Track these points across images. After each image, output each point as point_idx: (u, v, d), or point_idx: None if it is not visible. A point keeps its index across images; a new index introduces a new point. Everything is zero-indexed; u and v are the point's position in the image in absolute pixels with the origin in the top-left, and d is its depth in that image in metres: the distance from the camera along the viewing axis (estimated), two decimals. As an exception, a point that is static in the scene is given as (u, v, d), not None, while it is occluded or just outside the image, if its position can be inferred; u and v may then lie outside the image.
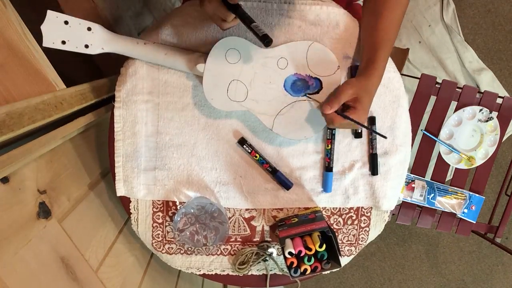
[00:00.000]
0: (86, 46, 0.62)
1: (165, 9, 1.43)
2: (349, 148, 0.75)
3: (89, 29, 0.62)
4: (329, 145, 0.74)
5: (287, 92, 0.68)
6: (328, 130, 0.73)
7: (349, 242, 0.80)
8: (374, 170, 0.75)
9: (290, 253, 0.67)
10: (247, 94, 0.67)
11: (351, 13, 0.72)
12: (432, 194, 1.09)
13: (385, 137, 0.64)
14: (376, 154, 0.75)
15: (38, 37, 0.60)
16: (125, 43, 0.65)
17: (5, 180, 0.50)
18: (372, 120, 0.74)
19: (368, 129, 0.61)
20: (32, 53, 0.59)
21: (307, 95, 0.68)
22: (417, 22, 1.55)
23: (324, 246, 0.67)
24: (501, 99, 1.08)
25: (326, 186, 0.76)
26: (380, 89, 0.73)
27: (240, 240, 0.79)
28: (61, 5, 0.90)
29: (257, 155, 0.73)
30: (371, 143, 0.74)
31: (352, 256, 0.82)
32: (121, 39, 0.65)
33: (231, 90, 0.67)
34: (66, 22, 0.60)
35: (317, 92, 0.68)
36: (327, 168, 0.75)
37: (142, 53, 0.67)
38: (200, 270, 0.80)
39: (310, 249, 0.67)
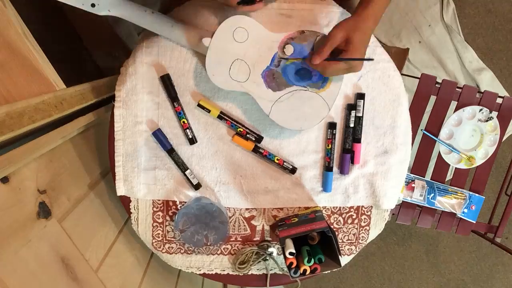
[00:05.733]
0: (93, 5, 0.61)
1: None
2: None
3: None
4: (329, 145, 0.74)
5: (288, 80, 0.67)
6: (329, 130, 0.73)
7: (349, 241, 0.80)
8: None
9: (291, 253, 0.67)
10: (249, 75, 0.66)
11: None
12: (432, 194, 1.09)
13: (372, 59, 0.60)
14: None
15: (38, 37, 0.60)
16: (132, 9, 0.64)
17: (5, 180, 0.50)
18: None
19: (363, 60, 0.58)
20: (32, 53, 0.59)
21: (308, 86, 0.67)
22: (417, 22, 1.55)
23: (312, 261, 0.67)
24: (501, 99, 1.08)
25: (326, 185, 0.76)
26: (380, 88, 0.73)
27: (240, 239, 0.79)
28: (61, 5, 0.90)
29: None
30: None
31: (353, 255, 0.82)
32: (129, 4, 0.64)
33: (233, 69, 0.66)
34: None
35: (320, 84, 0.68)
36: (327, 167, 0.75)
37: (148, 21, 0.66)
38: (200, 270, 0.80)
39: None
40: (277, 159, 0.73)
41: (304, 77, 0.67)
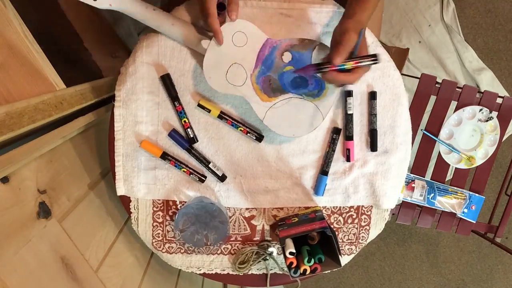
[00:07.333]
0: None
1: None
2: (349, 148, 0.75)
3: None
4: (327, 148, 0.74)
5: (285, 87, 0.67)
6: (330, 133, 0.73)
7: (349, 241, 0.80)
8: (373, 146, 0.75)
9: (291, 253, 0.67)
10: (246, 80, 0.66)
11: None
12: (432, 194, 1.09)
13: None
14: (375, 130, 0.74)
15: (38, 37, 0.60)
16: (133, 4, 0.64)
17: (5, 180, 0.50)
18: (372, 95, 0.73)
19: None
20: (32, 53, 0.59)
21: (304, 94, 0.68)
22: (417, 22, 1.55)
23: (312, 261, 0.67)
24: (501, 99, 1.08)
25: (318, 189, 0.76)
26: (380, 88, 0.73)
27: (241, 239, 0.79)
28: (61, 5, 0.90)
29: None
30: (370, 119, 0.74)
31: (353, 255, 0.82)
32: None
33: (230, 73, 0.66)
34: None
35: (316, 92, 0.68)
36: (323, 171, 0.75)
37: (149, 17, 0.65)
38: (200, 270, 0.80)
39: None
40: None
41: (300, 85, 0.67)
